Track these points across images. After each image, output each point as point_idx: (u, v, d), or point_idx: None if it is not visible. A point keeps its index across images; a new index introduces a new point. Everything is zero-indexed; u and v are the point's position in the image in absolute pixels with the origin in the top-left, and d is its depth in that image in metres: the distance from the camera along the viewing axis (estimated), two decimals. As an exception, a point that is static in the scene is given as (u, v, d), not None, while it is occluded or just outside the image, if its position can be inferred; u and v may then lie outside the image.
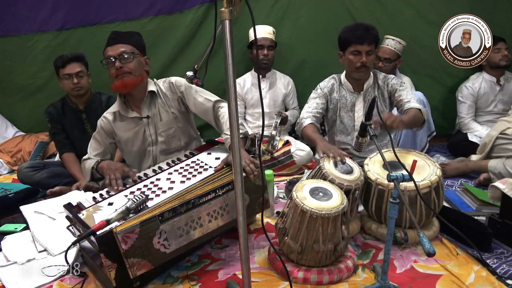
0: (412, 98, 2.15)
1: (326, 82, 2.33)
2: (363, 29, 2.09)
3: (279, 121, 2.72)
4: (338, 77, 2.33)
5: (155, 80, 2.01)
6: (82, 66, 2.46)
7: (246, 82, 3.10)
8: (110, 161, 1.81)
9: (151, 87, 1.94)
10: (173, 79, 1.97)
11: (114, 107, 2.00)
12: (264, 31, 2.98)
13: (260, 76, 3.05)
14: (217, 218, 1.54)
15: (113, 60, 1.80)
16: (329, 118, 2.37)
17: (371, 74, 2.25)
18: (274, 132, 2.72)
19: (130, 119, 1.96)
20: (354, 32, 2.09)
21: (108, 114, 2.00)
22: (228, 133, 1.52)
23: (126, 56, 1.81)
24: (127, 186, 1.64)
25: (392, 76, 2.27)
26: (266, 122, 2.85)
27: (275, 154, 2.76)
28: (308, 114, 2.23)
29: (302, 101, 3.02)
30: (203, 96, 1.88)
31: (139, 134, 1.97)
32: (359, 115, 2.27)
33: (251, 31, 3.02)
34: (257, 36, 2.92)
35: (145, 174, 1.71)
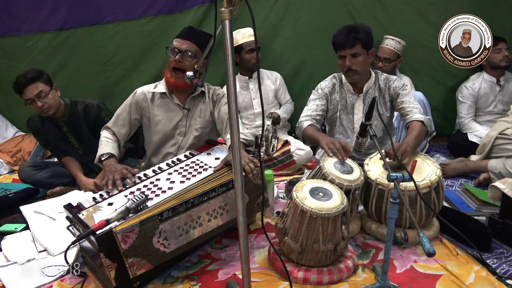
0: (414, 106, 2.09)
1: (327, 81, 2.27)
2: (345, 32, 2.03)
3: (270, 123, 2.71)
4: (339, 76, 2.27)
5: (205, 84, 2.09)
6: (41, 84, 2.24)
7: None
8: (115, 161, 1.82)
9: (202, 88, 2.03)
10: (220, 87, 2.13)
11: (159, 88, 2.06)
12: (250, 34, 2.90)
13: (247, 77, 3.02)
14: (216, 217, 1.55)
15: (176, 51, 1.91)
16: (329, 119, 2.33)
17: (372, 75, 2.20)
18: (266, 133, 2.70)
19: (172, 103, 2.06)
20: (337, 37, 2.07)
21: (147, 92, 2.06)
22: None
23: (188, 54, 1.91)
24: (127, 186, 1.64)
25: (394, 77, 2.20)
26: (260, 122, 2.85)
27: (275, 154, 2.76)
28: (306, 118, 2.19)
29: (301, 101, 3.01)
30: None
31: (173, 120, 2.07)
32: (358, 117, 2.23)
33: (237, 35, 2.91)
34: (245, 40, 2.88)
35: (145, 175, 1.71)
